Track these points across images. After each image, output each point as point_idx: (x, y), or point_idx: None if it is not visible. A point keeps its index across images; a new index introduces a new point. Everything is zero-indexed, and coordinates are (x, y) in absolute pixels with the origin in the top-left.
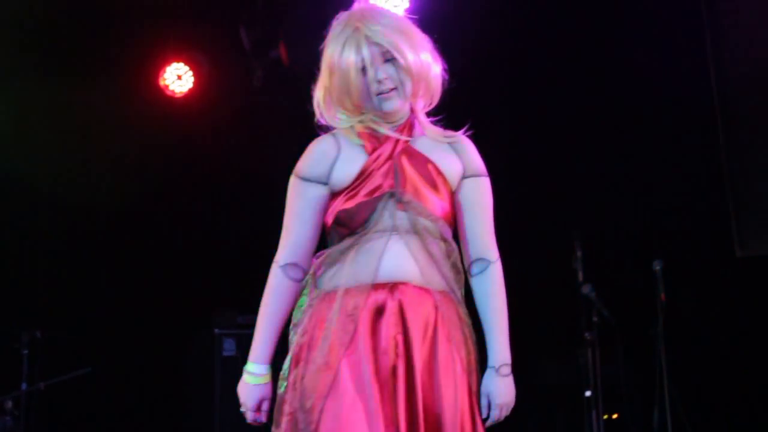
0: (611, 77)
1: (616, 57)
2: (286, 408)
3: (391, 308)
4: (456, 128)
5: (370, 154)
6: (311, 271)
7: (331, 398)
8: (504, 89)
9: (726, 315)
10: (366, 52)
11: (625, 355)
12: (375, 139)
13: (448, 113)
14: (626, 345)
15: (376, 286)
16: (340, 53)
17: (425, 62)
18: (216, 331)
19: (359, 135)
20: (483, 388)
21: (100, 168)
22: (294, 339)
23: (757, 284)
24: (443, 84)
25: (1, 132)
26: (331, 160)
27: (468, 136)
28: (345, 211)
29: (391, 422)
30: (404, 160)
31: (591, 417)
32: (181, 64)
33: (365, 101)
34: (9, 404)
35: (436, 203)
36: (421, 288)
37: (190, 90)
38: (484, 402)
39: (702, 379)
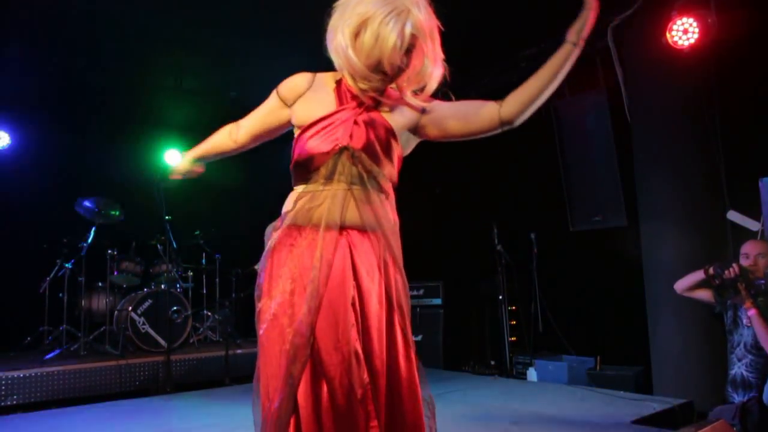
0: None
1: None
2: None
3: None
4: None
5: (338, 106)
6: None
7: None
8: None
9: (564, 260)
10: (406, 37)
11: (517, 278)
12: (347, 96)
13: None
14: (518, 273)
15: (341, 230)
16: (383, 23)
17: (431, 65)
18: None
19: (339, 84)
20: None
21: None
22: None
23: (580, 246)
24: (440, 83)
25: None
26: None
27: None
28: (305, 156)
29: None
30: (362, 122)
31: (502, 308)
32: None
33: (370, 66)
34: (226, 303)
35: (386, 163)
36: (361, 232)
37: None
38: None
39: (552, 289)
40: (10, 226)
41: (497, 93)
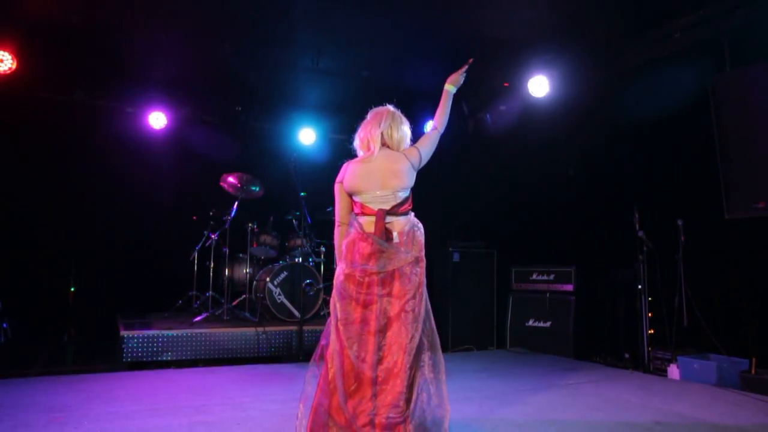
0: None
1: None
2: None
3: None
4: None
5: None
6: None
7: None
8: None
9: (717, 250)
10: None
11: (659, 268)
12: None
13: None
14: (660, 263)
15: None
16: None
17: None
18: (450, 248)
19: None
20: None
21: None
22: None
23: (735, 233)
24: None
25: None
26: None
27: None
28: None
29: None
30: None
31: (641, 299)
32: None
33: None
34: None
35: None
36: None
37: None
38: None
39: (701, 282)
40: (167, 200)
41: (648, 67)
